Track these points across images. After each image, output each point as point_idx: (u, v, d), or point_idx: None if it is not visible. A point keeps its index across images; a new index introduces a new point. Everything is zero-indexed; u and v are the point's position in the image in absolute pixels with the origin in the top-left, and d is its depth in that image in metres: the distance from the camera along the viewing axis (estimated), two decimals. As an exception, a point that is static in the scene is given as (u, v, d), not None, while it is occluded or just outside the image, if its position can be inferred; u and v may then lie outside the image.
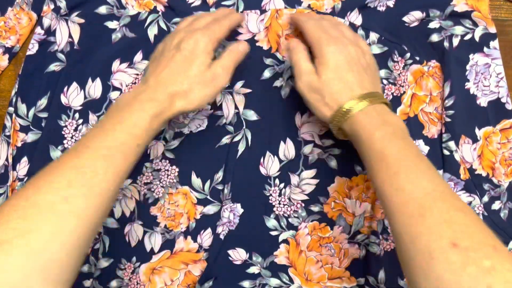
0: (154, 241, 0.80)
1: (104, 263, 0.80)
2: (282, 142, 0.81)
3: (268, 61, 0.80)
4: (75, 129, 0.80)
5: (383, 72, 0.79)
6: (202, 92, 0.69)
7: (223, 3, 0.78)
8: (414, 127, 0.80)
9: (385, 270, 0.78)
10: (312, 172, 0.80)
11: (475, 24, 0.79)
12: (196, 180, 0.81)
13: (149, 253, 0.80)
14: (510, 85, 0.81)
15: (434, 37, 0.80)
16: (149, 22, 0.79)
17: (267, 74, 0.81)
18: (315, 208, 0.81)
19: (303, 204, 0.80)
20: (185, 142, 0.81)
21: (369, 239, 0.80)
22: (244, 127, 0.81)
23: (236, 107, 0.81)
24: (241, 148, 0.81)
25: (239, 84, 0.81)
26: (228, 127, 0.81)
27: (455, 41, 0.80)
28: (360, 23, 0.79)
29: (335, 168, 0.81)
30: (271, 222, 0.81)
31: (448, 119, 0.79)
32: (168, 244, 0.81)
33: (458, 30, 0.80)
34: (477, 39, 0.80)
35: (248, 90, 0.81)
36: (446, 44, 0.80)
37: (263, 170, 0.81)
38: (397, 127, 0.65)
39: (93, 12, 0.79)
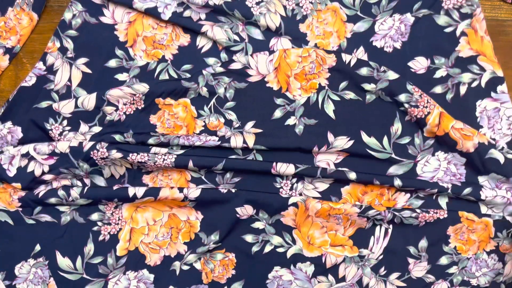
0: (138, 188, 0.77)
1: (81, 201, 0.78)
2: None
3: (278, 101, 0.79)
4: (60, 134, 0.78)
5: (403, 97, 0.78)
6: None
7: (232, 48, 0.79)
8: (446, 143, 0.79)
9: (427, 239, 0.80)
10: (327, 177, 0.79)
11: (483, 69, 0.80)
12: (192, 168, 0.78)
13: (131, 198, 0.78)
14: (510, 85, 0.81)
15: (438, 89, 0.80)
16: (158, 71, 0.80)
17: (278, 113, 0.79)
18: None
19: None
20: (189, 151, 0.80)
21: (400, 213, 0.78)
22: (254, 152, 0.79)
23: (245, 142, 0.79)
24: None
25: (250, 124, 0.79)
26: (237, 150, 0.79)
27: (463, 90, 0.80)
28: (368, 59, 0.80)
29: (353, 179, 0.78)
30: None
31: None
32: (152, 192, 0.78)
33: (466, 77, 0.80)
34: (483, 85, 0.80)
35: (259, 130, 0.79)
36: (448, 96, 0.80)
37: (274, 172, 0.78)
38: None
39: (103, 65, 0.80)
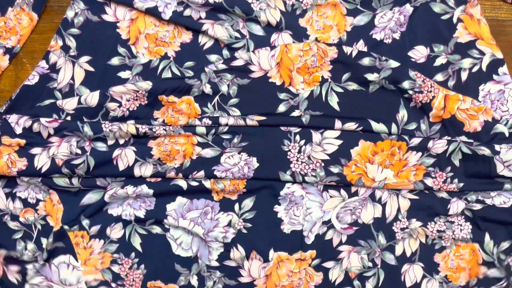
0: (144, 170, 0.78)
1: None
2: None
3: (282, 95, 0.79)
4: None
5: (406, 83, 0.78)
6: None
7: (234, 46, 0.80)
8: (453, 126, 0.79)
9: None
10: (336, 133, 0.78)
11: (482, 53, 0.81)
12: (200, 129, 0.78)
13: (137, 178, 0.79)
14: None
15: (439, 77, 0.80)
16: (161, 68, 0.80)
17: (282, 108, 0.79)
18: (334, 170, 0.78)
19: (322, 164, 0.78)
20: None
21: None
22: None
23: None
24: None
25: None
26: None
27: (464, 76, 0.81)
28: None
29: (361, 132, 0.78)
30: (286, 178, 0.78)
31: None
32: (158, 175, 0.79)
33: (466, 63, 0.81)
34: (484, 69, 0.81)
35: (263, 118, 0.79)
36: (450, 83, 0.80)
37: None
38: None
39: (106, 63, 0.80)
